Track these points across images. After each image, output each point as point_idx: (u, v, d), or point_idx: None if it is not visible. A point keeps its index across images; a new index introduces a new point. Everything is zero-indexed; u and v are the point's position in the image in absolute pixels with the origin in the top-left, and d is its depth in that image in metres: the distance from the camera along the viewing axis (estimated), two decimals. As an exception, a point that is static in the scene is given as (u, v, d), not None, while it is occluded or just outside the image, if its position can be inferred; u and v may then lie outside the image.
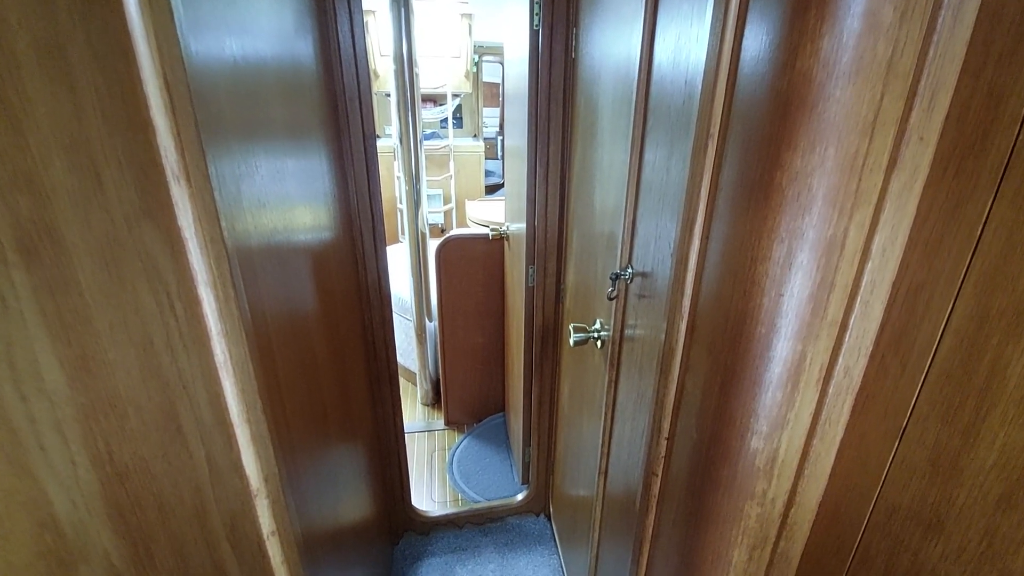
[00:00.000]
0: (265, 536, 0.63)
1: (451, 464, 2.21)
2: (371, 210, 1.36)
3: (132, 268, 0.43)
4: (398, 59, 2.04)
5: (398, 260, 2.97)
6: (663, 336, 0.79)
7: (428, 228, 2.35)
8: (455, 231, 2.18)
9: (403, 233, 2.75)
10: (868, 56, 0.49)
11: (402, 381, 2.85)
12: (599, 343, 1.11)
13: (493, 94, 8.13)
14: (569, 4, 1.25)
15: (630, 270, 0.95)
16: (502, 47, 5.16)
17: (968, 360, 0.49)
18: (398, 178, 2.42)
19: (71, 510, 0.45)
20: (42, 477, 0.43)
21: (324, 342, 0.99)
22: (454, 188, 4.57)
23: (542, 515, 1.92)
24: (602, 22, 1.06)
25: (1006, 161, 0.44)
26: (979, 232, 0.47)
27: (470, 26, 4.45)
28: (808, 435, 0.66)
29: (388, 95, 1.91)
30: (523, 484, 1.97)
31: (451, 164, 4.50)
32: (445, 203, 4.75)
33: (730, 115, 0.61)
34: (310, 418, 0.86)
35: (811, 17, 0.50)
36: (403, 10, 1.99)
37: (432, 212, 4.62)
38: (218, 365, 0.52)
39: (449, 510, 1.91)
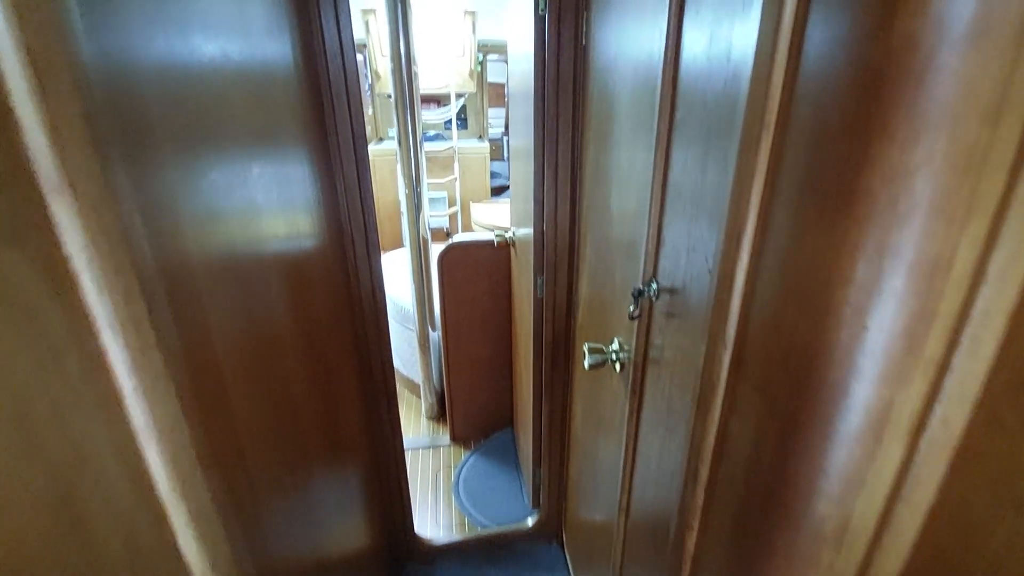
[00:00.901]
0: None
1: (457, 484, 2.09)
2: (363, 216, 1.24)
3: (-9, 315, 0.31)
4: (395, 58, 1.92)
5: (400, 266, 2.85)
6: (700, 367, 0.66)
7: (431, 232, 2.23)
8: (457, 237, 2.06)
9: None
10: (999, 9, 0.36)
11: (406, 393, 2.74)
12: (618, 366, 0.98)
13: (498, 94, 8.01)
14: (581, -15, 1.12)
15: (655, 285, 0.82)
16: (506, 45, 5.04)
17: None
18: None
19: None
20: None
21: (303, 366, 0.87)
22: (459, 190, 4.46)
23: (554, 542, 1.79)
24: (617, 7, 0.93)
25: None
26: None
27: (474, 24, 4.34)
28: (889, 498, 0.53)
29: (389, 96, 1.82)
30: (534, 507, 1.85)
31: (456, 166, 4.39)
32: (450, 206, 4.64)
33: (791, 98, 0.48)
34: (283, 458, 0.74)
35: (920, -42, 0.37)
36: (400, 6, 1.88)
37: (436, 215, 4.51)
38: (136, 431, 0.40)
39: (455, 537, 1.78)
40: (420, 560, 1.72)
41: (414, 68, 1.96)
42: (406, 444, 2.37)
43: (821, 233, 0.46)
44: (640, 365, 0.90)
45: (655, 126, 0.76)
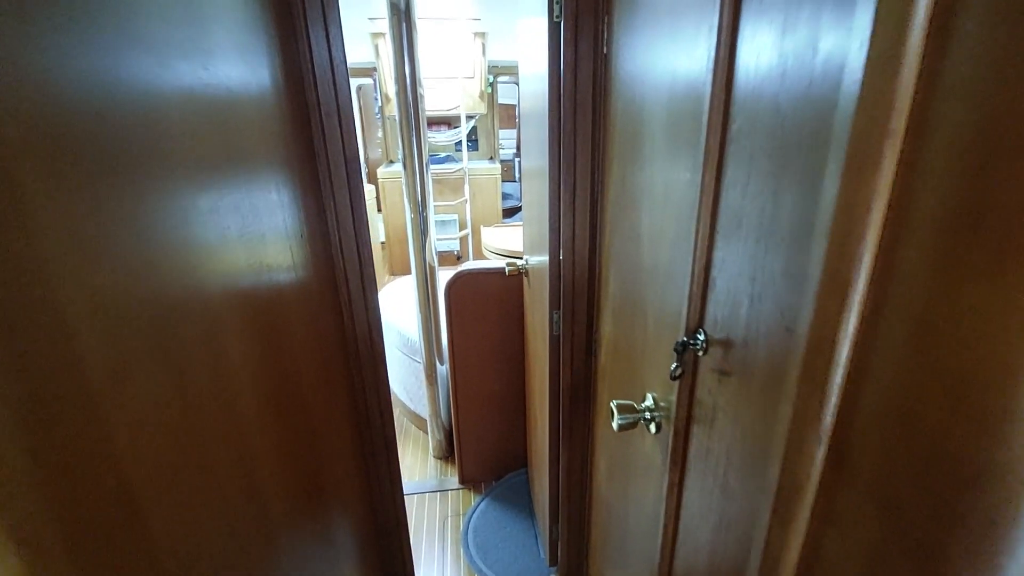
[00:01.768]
0: None
1: (466, 535, 1.91)
2: (357, 248, 1.10)
3: None
4: (400, 79, 1.82)
5: (408, 293, 2.72)
6: (775, 454, 0.50)
7: (440, 256, 2.09)
8: (466, 264, 1.92)
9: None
10: None
11: (412, 429, 2.58)
12: (652, 426, 0.82)
13: (509, 115, 7.98)
14: (601, -13, 0.99)
15: (702, 336, 0.66)
16: (517, 66, 4.99)
17: None
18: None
19: None
20: None
21: (275, 430, 0.72)
22: (470, 213, 4.35)
23: (574, 606, 1.60)
24: (648, 7, 0.80)
25: None
26: None
27: (484, 45, 4.28)
28: None
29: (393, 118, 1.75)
30: (551, 566, 1.66)
31: (466, 188, 4.29)
32: (460, 229, 4.53)
33: (934, 91, 0.33)
34: (241, 549, 0.59)
35: None
36: (404, 27, 1.78)
37: (447, 239, 4.41)
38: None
39: (463, 599, 1.60)
40: (424, 628, 1.54)
41: (420, 90, 1.86)
42: (411, 488, 2.20)
43: (997, 294, 0.30)
44: (682, 431, 0.74)
45: (702, 140, 0.61)
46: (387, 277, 4.65)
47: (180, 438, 0.48)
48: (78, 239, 0.37)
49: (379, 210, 4.63)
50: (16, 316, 0.31)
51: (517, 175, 7.94)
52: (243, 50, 0.71)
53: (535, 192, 1.38)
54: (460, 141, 4.45)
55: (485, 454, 2.17)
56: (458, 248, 4.66)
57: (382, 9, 1.76)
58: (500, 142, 5.55)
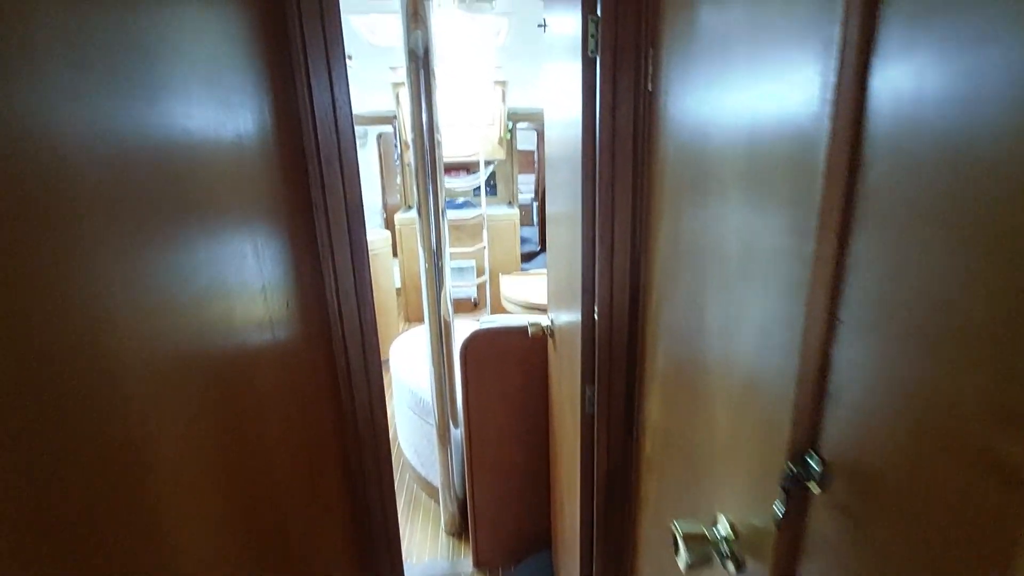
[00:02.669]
0: None
1: (480, 634, 1.65)
2: (358, 310, 0.95)
3: None
4: (416, 125, 1.73)
5: (420, 346, 2.55)
6: None
7: (453, 309, 1.93)
8: (485, 322, 1.75)
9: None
10: None
11: (423, 497, 2.35)
12: (731, 563, 0.61)
13: (528, 161, 8.03)
14: (643, 19, 0.86)
15: (816, 465, 0.47)
16: (536, 112, 4.98)
17: None
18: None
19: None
20: None
21: (232, 534, 0.54)
22: (488, 259, 4.23)
23: None
24: (710, 34, 0.65)
25: None
26: None
27: (504, 92, 4.28)
28: None
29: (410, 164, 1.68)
30: None
31: (484, 234, 4.19)
32: (478, 276, 4.40)
33: None
34: None
35: None
36: (422, 73, 1.71)
37: (464, 286, 4.28)
38: None
39: None
40: None
41: (437, 136, 1.76)
42: (417, 573, 1.96)
43: None
44: (784, 587, 0.53)
45: (813, 196, 0.44)
46: (402, 325, 4.51)
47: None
48: None
49: (395, 255, 4.55)
50: None
51: (534, 219, 7.88)
52: (218, 88, 0.58)
53: (562, 240, 1.22)
54: (479, 187, 4.39)
55: (503, 532, 1.93)
56: (475, 295, 4.52)
57: (403, 58, 1.69)
58: (519, 187, 5.50)
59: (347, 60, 2.94)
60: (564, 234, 1.19)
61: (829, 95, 0.42)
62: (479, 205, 4.91)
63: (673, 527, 0.66)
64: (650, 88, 0.86)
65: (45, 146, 0.34)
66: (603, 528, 1.13)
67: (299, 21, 0.82)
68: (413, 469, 2.41)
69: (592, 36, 0.89)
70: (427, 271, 1.85)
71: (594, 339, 1.04)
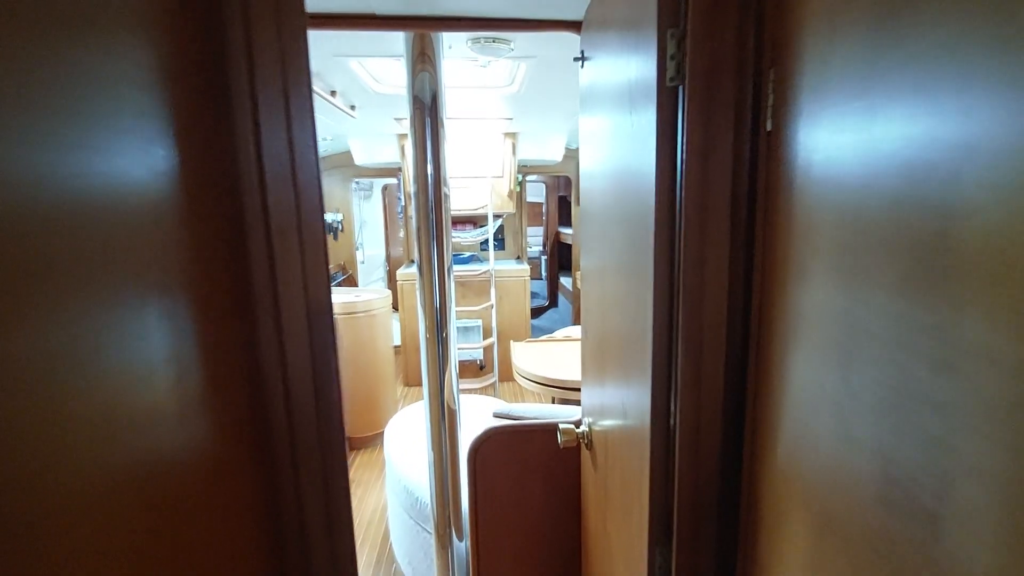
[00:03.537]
0: None
1: None
2: (320, 444, 0.63)
3: None
4: (420, 176, 1.48)
5: (419, 426, 2.21)
6: None
7: (459, 397, 1.60)
8: (498, 419, 1.43)
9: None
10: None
11: (418, 620, 1.93)
12: None
13: (535, 213, 7.89)
14: (754, 28, 0.59)
15: None
16: (547, 164, 4.83)
17: None
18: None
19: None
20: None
21: None
22: (495, 319, 3.92)
23: None
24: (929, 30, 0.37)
25: None
26: None
27: (514, 145, 4.13)
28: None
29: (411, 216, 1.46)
30: None
31: (492, 291, 3.90)
32: (485, 337, 4.08)
33: None
34: None
35: None
36: (428, 122, 1.48)
37: (469, 348, 3.95)
38: None
39: None
40: None
41: (445, 190, 1.50)
42: None
43: None
44: None
45: None
46: (400, 390, 4.15)
47: None
48: None
49: (395, 308, 4.25)
50: None
51: (543, 273, 7.65)
52: (92, 134, 0.30)
53: (612, 324, 0.92)
54: (486, 240, 4.15)
55: None
56: (481, 357, 4.18)
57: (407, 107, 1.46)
58: (527, 239, 5.28)
59: (349, 110, 2.72)
60: (615, 317, 0.89)
61: None
62: (486, 260, 4.67)
63: None
64: (769, 127, 0.58)
65: None
66: None
67: (245, 41, 0.55)
68: (407, 581, 2.00)
69: (672, 58, 0.62)
70: (428, 341, 1.54)
71: (669, 472, 0.71)
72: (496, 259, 4.54)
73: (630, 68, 0.72)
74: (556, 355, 2.43)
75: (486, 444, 1.31)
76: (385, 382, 3.29)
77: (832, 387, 0.48)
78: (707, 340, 0.67)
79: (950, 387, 0.34)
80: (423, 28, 1.35)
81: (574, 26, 1.24)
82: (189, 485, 0.44)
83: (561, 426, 1.09)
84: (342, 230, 4.93)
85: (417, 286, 1.53)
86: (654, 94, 0.63)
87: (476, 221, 4.67)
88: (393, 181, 5.96)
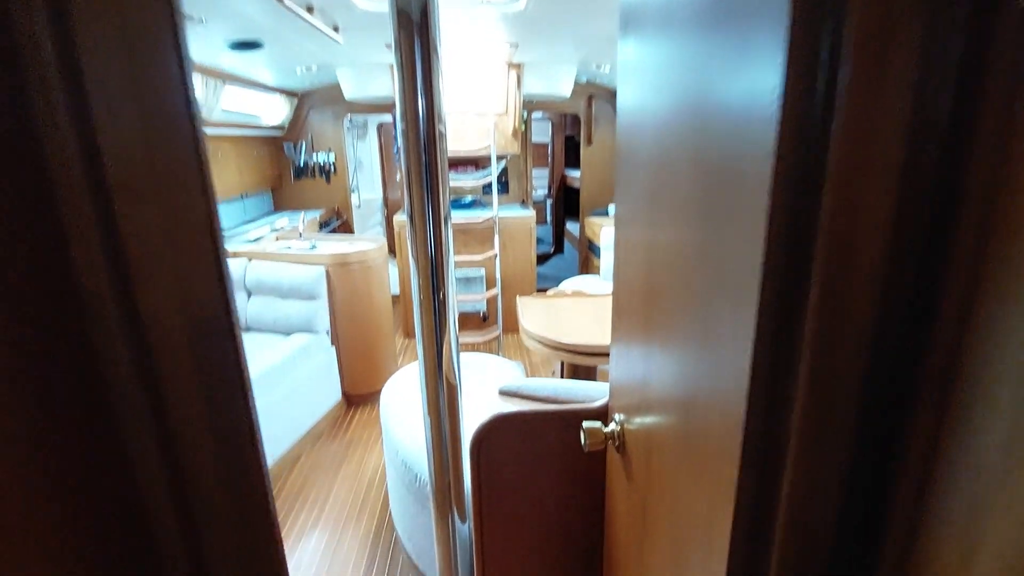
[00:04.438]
0: None
1: None
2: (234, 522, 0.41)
3: None
4: (409, 111, 1.19)
5: (413, 393, 2.03)
6: None
7: (460, 371, 1.39)
8: (505, 399, 1.22)
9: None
10: None
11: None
12: None
13: (541, 154, 7.45)
14: None
15: None
16: (556, 99, 4.41)
17: None
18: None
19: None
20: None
21: None
22: (499, 268, 3.69)
23: None
24: None
25: None
26: None
27: (519, 77, 3.73)
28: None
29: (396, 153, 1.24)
30: None
31: (496, 239, 3.65)
32: (488, 287, 3.87)
33: None
34: None
35: None
36: (419, 43, 1.17)
37: (471, 298, 3.74)
38: None
39: None
40: None
41: (439, 127, 1.21)
42: None
43: None
44: None
45: None
46: (400, 342, 4.00)
47: None
48: None
49: (392, 253, 4.01)
50: None
51: (548, 218, 7.32)
52: None
53: (663, 266, 0.68)
54: (490, 184, 3.84)
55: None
56: (484, 309, 3.99)
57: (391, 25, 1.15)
58: (532, 182, 4.95)
59: (332, 32, 2.34)
60: (673, 279, 0.65)
61: None
62: (489, 205, 4.37)
63: None
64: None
65: None
66: None
67: None
68: (406, 553, 1.90)
69: None
70: (422, 304, 1.30)
71: (763, 511, 0.50)
72: (500, 204, 4.24)
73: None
74: (565, 313, 2.22)
75: (491, 435, 1.11)
76: (383, 336, 3.11)
77: None
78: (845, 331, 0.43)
79: None
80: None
81: None
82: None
83: (585, 425, 0.88)
84: (335, 172, 4.60)
85: (408, 239, 1.28)
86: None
87: (478, 163, 4.33)
88: (389, 118, 5.55)
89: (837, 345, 0.41)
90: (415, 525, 1.71)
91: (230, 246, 3.13)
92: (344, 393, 3.05)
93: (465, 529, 1.49)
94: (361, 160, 6.04)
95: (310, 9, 2.17)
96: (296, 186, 4.57)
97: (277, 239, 3.38)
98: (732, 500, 0.48)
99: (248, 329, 2.91)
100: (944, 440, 0.38)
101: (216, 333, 0.34)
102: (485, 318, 3.99)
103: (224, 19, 2.23)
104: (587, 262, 4.68)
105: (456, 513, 1.46)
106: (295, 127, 4.44)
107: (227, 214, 3.85)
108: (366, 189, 6.00)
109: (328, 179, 4.58)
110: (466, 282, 3.86)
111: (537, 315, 2.19)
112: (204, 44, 2.52)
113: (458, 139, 3.69)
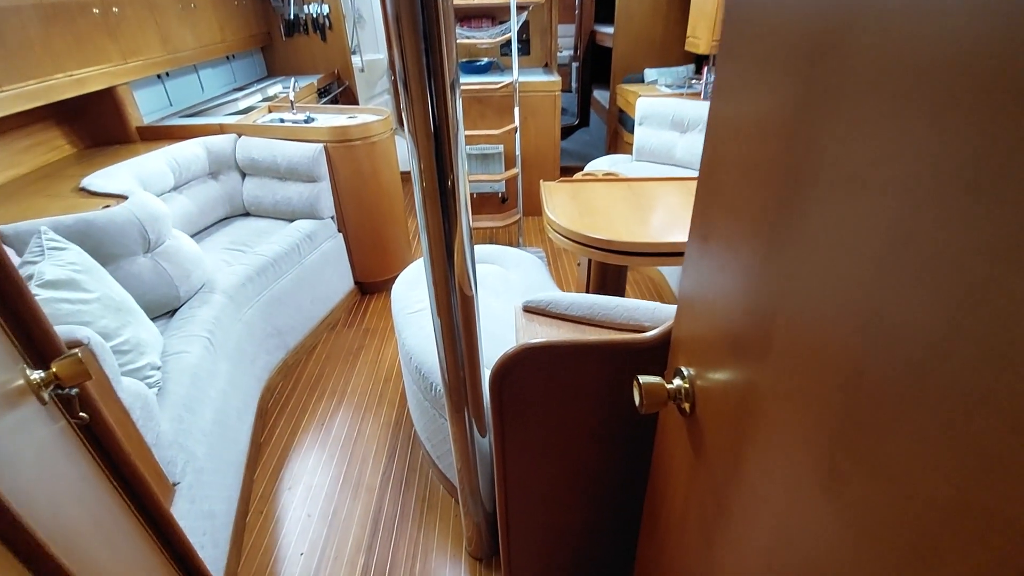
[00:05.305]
0: None
1: None
2: None
3: None
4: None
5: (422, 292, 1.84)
6: None
7: (475, 280, 1.17)
8: (532, 306, 1.01)
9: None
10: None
11: (440, 492, 1.82)
12: None
13: (567, 7, 6.42)
14: None
15: None
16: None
17: None
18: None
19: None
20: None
21: None
22: (519, 144, 3.29)
23: None
24: None
25: None
26: None
27: None
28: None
29: None
30: None
31: (516, 111, 3.19)
32: (507, 166, 3.50)
33: None
34: None
35: None
36: None
37: (489, 179, 3.40)
38: None
39: None
40: None
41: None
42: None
43: None
44: None
45: None
46: (414, 224, 3.75)
47: None
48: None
49: (400, 124, 3.62)
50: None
51: (573, 85, 6.53)
52: None
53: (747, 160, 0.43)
54: (509, 43, 3.28)
55: (553, 564, 1.40)
56: (503, 189, 3.66)
57: None
58: (558, 42, 4.27)
59: None
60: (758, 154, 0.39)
61: None
62: (508, 69, 3.80)
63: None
64: None
65: None
66: None
67: None
68: (425, 451, 1.87)
69: None
70: (424, 208, 1.04)
71: None
72: (520, 68, 3.68)
73: None
74: (598, 202, 1.93)
75: (516, 368, 0.92)
76: (394, 220, 2.87)
77: None
78: None
79: None
80: None
81: None
82: None
83: (641, 380, 0.66)
84: (331, 27, 3.99)
85: (403, 114, 0.98)
86: None
87: (495, 16, 3.68)
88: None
89: None
90: (433, 428, 1.63)
91: (217, 118, 2.78)
92: (357, 282, 2.91)
93: (485, 443, 1.39)
94: (361, 12, 5.26)
95: None
96: (289, 45, 4.02)
97: (270, 110, 3.00)
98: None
99: (247, 214, 2.69)
100: None
101: None
102: (504, 199, 3.69)
103: None
104: (616, 138, 4.18)
105: (475, 428, 1.34)
106: (279, -30, 3.76)
107: (214, 79, 3.42)
108: (369, 50, 5.31)
109: (323, 36, 4.00)
110: (482, 159, 3.49)
111: (563, 203, 1.90)
112: None
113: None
